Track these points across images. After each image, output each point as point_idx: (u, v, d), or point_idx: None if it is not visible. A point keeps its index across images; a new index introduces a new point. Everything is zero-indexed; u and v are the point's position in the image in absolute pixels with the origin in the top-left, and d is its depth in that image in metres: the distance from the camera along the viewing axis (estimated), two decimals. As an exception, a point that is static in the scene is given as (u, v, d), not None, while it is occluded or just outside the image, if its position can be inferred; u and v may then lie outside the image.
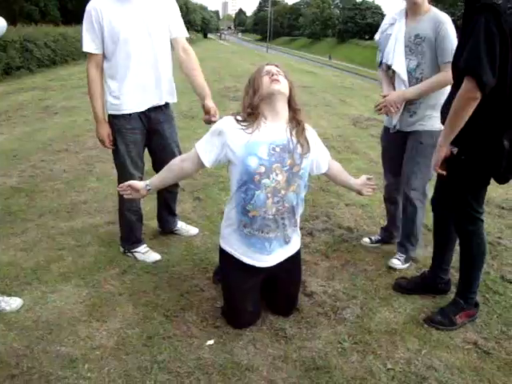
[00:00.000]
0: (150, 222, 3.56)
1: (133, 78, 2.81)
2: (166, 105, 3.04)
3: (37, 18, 25.90)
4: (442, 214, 2.66)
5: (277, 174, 2.18)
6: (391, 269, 3.09)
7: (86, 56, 2.82)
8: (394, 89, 2.94)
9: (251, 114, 2.20)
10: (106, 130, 2.88)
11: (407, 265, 3.14)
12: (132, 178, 2.98)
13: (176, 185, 3.32)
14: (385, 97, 2.93)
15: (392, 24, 2.93)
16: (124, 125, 2.88)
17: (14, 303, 2.58)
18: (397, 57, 2.83)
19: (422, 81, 2.81)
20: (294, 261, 2.51)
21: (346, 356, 2.28)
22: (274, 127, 2.22)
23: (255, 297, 2.48)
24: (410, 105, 2.88)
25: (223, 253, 2.44)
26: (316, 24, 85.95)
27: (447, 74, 2.66)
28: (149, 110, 2.93)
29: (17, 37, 15.70)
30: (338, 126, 7.68)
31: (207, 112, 3.01)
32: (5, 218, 3.80)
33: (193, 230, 3.52)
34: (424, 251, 3.34)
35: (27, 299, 2.67)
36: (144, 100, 2.89)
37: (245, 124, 2.20)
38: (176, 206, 3.46)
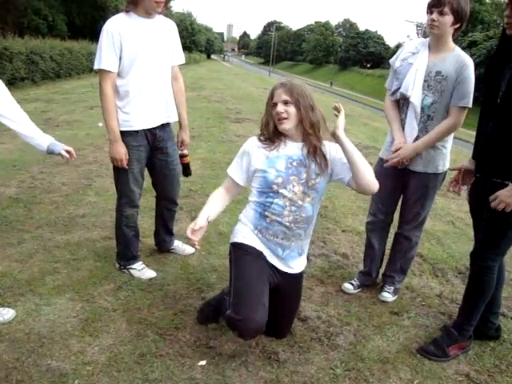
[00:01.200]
0: (147, 239, 3.57)
1: (144, 96, 2.87)
2: (169, 123, 3.10)
3: (44, 32, 26.15)
4: (485, 262, 2.48)
5: (294, 186, 2.31)
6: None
7: (98, 73, 2.83)
8: (403, 124, 2.83)
9: (269, 138, 2.37)
10: (123, 149, 2.87)
11: (396, 296, 3.15)
12: (132, 194, 3.02)
13: (175, 202, 3.35)
14: (396, 150, 2.80)
15: (414, 53, 2.80)
16: (130, 142, 2.91)
17: (6, 314, 2.57)
18: (416, 90, 2.72)
19: (432, 119, 2.73)
20: (298, 277, 2.55)
21: (338, 383, 2.27)
22: (292, 145, 2.36)
23: (265, 293, 2.30)
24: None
25: (235, 246, 2.43)
26: (319, 50, 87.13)
27: (457, 119, 2.68)
28: (155, 127, 2.98)
29: (23, 49, 15.90)
30: (337, 153, 7.73)
31: (180, 143, 3.27)
32: (1, 227, 3.80)
33: (189, 250, 3.51)
34: (419, 280, 3.36)
35: (20, 311, 2.66)
36: (153, 117, 2.95)
37: (266, 143, 2.36)
38: (173, 225, 3.47)
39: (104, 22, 2.81)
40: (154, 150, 3.05)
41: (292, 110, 2.30)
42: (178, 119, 3.18)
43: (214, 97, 13.72)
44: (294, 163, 2.32)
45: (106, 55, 2.75)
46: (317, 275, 3.36)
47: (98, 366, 2.25)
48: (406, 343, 2.64)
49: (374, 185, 2.29)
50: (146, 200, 3.22)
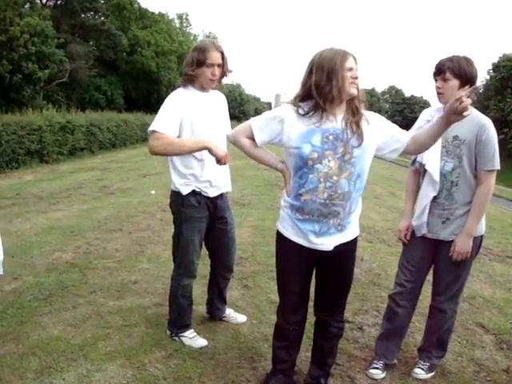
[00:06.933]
0: (198, 306, 3.55)
1: (207, 166, 2.93)
2: (226, 193, 3.16)
3: (103, 106, 28.01)
4: None
5: (329, 161, 2.21)
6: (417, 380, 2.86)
7: (149, 135, 2.81)
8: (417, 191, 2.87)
9: (315, 105, 2.21)
10: (222, 148, 2.87)
11: (432, 374, 2.91)
12: (192, 265, 3.06)
13: (231, 270, 3.37)
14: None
15: (429, 121, 2.75)
16: (193, 214, 2.96)
17: None
18: (432, 157, 2.67)
19: (457, 185, 2.64)
20: (346, 251, 2.43)
21: None
22: (330, 118, 2.23)
23: (302, 279, 2.49)
24: (443, 210, 2.70)
25: (277, 233, 2.48)
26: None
27: (487, 183, 2.61)
28: (215, 197, 3.04)
29: (84, 121, 16.97)
30: (387, 218, 7.60)
31: None
32: (58, 292, 3.91)
33: (241, 318, 3.48)
34: (482, 353, 3.16)
35: (72, 376, 2.69)
36: (214, 187, 3.00)
37: (306, 116, 2.23)
38: (227, 293, 3.47)
39: (157, 95, 3.00)
40: (214, 219, 3.10)
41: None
42: (231, 189, 3.23)
43: (262, 165, 13.84)
44: (331, 137, 2.21)
45: (163, 119, 2.80)
46: (371, 345, 3.21)
47: None
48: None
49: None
50: (198, 267, 3.25)
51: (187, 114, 2.87)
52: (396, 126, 2.41)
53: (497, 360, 3.15)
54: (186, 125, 2.88)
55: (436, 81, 2.65)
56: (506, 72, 49.28)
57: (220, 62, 2.90)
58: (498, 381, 2.90)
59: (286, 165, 2.37)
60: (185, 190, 2.92)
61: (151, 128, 2.80)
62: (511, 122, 41.38)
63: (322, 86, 2.16)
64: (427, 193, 2.72)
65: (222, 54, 2.91)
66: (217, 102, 3.09)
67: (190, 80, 2.94)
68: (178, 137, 2.85)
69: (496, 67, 50.88)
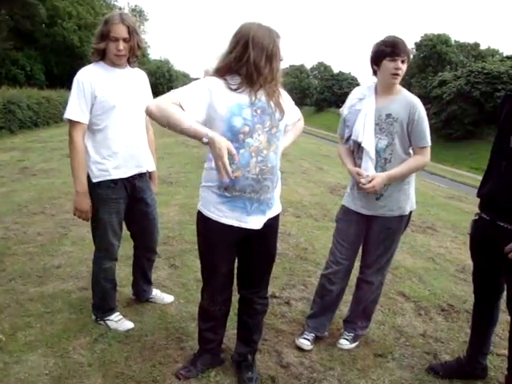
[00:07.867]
0: (124, 288, 3.47)
1: (121, 145, 2.83)
2: (146, 173, 3.05)
3: (22, 82, 26.38)
4: (486, 297, 2.62)
5: (259, 134, 2.21)
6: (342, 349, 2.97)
7: (68, 123, 2.76)
8: (355, 165, 2.82)
9: (246, 80, 2.18)
10: (88, 202, 2.83)
11: (356, 343, 3.02)
12: (111, 247, 2.97)
13: (154, 251, 3.30)
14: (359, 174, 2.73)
15: (361, 99, 2.82)
16: (110, 195, 2.85)
17: None
18: (367, 134, 2.72)
19: (390, 161, 2.71)
20: (270, 227, 2.42)
21: (323, 433, 2.19)
22: (256, 92, 2.21)
23: (230, 260, 2.47)
24: None
25: (200, 215, 2.38)
26: (294, 93, 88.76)
27: (423, 156, 2.71)
28: (133, 177, 2.93)
29: (1, 98, 15.91)
30: (315, 193, 7.77)
31: None
32: (-28, 282, 3.68)
33: (167, 298, 3.44)
34: (402, 320, 3.31)
35: (-12, 370, 2.54)
36: (130, 167, 2.90)
37: (237, 90, 2.18)
38: (152, 273, 3.40)
39: None
40: (133, 200, 3.00)
41: None
42: (154, 168, 3.14)
43: (191, 142, 13.68)
44: (258, 111, 2.21)
45: (76, 106, 2.71)
46: (298, 319, 3.29)
47: (72, 427, 2.14)
48: (391, 387, 2.58)
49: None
50: (123, 248, 3.15)
51: (101, 94, 2.73)
52: (294, 112, 2.52)
53: (415, 326, 3.32)
54: (100, 105, 2.74)
55: (395, 61, 2.61)
56: (428, 51, 51.79)
57: (126, 36, 2.70)
58: (416, 345, 3.07)
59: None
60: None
61: (66, 116, 2.73)
62: (433, 98, 43.36)
63: (261, 66, 2.16)
64: (368, 168, 2.72)
65: (129, 28, 2.71)
66: (134, 78, 2.93)
67: (99, 55, 2.78)
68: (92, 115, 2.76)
69: (418, 46, 53.36)
